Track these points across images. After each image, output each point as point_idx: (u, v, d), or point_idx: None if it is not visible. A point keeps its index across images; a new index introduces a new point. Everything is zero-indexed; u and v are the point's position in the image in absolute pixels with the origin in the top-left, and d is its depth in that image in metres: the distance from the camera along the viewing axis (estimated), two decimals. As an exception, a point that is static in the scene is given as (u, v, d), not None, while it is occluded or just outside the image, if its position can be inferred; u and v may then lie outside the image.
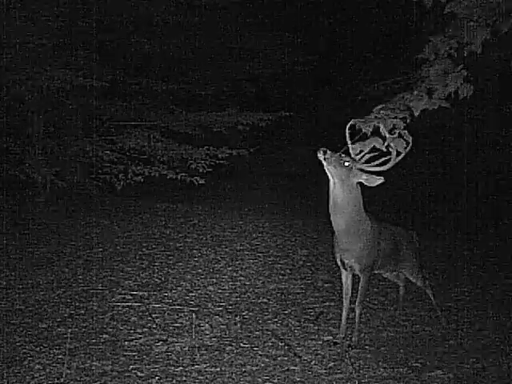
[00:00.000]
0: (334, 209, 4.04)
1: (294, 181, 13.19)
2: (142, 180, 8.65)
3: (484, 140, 12.23)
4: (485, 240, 8.03)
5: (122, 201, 9.54)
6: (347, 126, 3.73)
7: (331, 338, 4.42)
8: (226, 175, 12.12)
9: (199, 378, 3.72)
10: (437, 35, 3.33)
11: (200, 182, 8.31)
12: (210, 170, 8.72)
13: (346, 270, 4.29)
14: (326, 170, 3.98)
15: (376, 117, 3.42)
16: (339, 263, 4.28)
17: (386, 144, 3.54)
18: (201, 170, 8.64)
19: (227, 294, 5.47)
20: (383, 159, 3.90)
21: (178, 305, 5.08)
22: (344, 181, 3.95)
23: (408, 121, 3.43)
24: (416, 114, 3.35)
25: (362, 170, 3.97)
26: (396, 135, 3.49)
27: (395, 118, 3.40)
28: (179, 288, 5.59)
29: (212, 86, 11.37)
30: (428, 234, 7.95)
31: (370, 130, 3.44)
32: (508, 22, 3.12)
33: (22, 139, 8.76)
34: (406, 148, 3.57)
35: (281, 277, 6.12)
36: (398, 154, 3.74)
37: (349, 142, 3.83)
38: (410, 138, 3.53)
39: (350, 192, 3.98)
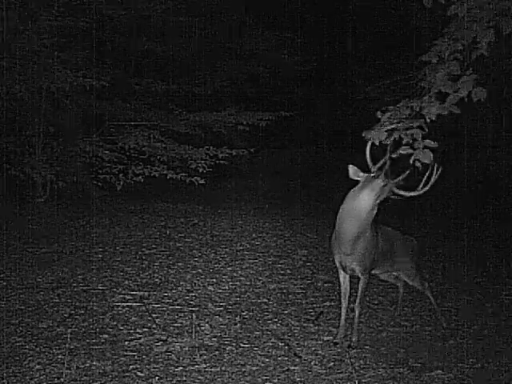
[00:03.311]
0: (349, 215, 4.01)
1: (294, 181, 13.19)
2: (142, 180, 8.65)
3: (484, 140, 12.23)
4: (485, 240, 8.03)
5: (122, 201, 9.55)
6: (367, 148, 3.77)
7: (331, 338, 4.42)
8: (226, 175, 12.13)
9: (199, 377, 3.72)
10: (441, 38, 3.27)
11: (200, 182, 8.31)
12: (210, 169, 8.72)
13: (345, 271, 4.28)
14: (372, 189, 3.92)
15: (390, 129, 3.34)
16: (339, 265, 4.27)
17: (412, 160, 3.39)
18: (201, 170, 8.64)
19: (227, 294, 5.47)
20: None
21: (178, 305, 5.08)
22: (377, 200, 3.97)
23: (426, 129, 3.32)
24: (431, 119, 3.23)
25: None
26: (421, 147, 3.35)
27: (411, 127, 3.33)
28: (179, 288, 5.59)
29: (212, 86, 11.38)
30: (428, 235, 7.96)
31: (382, 140, 3.38)
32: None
33: (22, 139, 8.77)
34: (431, 160, 3.37)
35: (281, 277, 6.12)
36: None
37: (369, 161, 3.91)
38: (435, 143, 3.37)
39: (373, 209, 4.00)
